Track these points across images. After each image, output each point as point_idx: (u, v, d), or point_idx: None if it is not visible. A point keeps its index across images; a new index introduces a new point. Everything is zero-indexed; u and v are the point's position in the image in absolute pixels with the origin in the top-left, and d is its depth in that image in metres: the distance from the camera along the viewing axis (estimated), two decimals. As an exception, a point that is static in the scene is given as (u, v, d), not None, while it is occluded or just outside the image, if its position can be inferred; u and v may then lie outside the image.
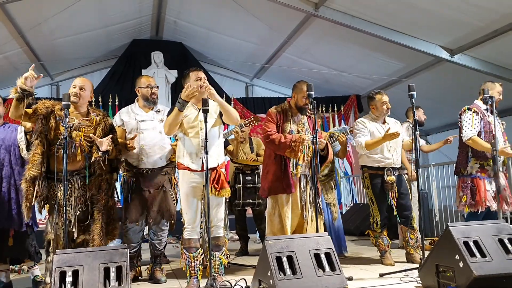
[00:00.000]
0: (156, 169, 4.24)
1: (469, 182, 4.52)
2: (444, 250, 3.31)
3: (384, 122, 4.92)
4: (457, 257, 3.15)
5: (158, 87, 4.44)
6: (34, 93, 3.55)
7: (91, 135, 3.67)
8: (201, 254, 3.87)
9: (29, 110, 3.56)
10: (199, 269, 3.84)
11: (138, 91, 4.41)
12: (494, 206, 4.41)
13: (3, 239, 3.93)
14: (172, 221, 4.36)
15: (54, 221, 3.54)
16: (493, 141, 4.24)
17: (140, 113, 4.35)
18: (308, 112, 4.29)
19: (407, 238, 4.79)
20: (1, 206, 3.97)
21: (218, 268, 3.79)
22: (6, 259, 4.15)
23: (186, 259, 3.83)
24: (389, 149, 4.79)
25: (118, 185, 4.61)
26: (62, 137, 3.49)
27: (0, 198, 3.97)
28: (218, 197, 3.85)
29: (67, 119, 3.45)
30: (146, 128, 4.26)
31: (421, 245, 4.02)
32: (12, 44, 7.96)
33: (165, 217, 4.27)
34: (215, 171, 3.84)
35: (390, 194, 4.73)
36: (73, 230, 3.56)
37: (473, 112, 4.53)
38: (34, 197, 3.51)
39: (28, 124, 3.86)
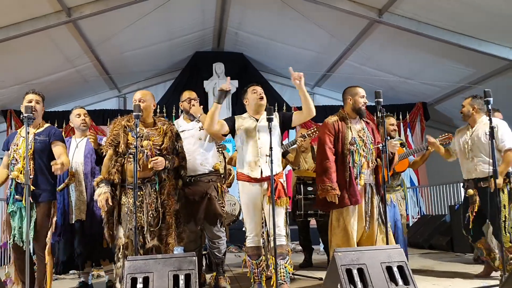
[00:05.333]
0: (199, 176, 4.23)
1: None
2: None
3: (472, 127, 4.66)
4: (544, 274, 2.92)
5: (196, 99, 4.49)
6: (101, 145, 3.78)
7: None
8: (264, 261, 3.89)
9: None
10: (263, 275, 3.90)
11: (181, 105, 4.52)
12: None
13: (97, 242, 4.10)
14: (223, 227, 4.36)
15: (127, 227, 3.63)
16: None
17: (182, 124, 4.46)
18: (365, 118, 4.18)
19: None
20: (96, 212, 4.23)
21: (284, 276, 3.74)
22: (98, 261, 4.43)
23: (250, 266, 3.93)
24: (467, 158, 4.55)
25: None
26: (132, 146, 3.58)
27: (94, 205, 4.21)
28: (277, 206, 3.80)
29: (137, 129, 3.54)
30: (185, 137, 4.27)
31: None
32: (83, 59, 8.37)
33: (213, 223, 4.24)
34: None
35: (470, 208, 4.50)
36: (146, 235, 3.64)
37: None
38: (113, 225, 3.67)
39: None
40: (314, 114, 3.96)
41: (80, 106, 4.83)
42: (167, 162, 3.70)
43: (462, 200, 4.85)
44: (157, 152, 3.72)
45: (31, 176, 3.72)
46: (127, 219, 3.64)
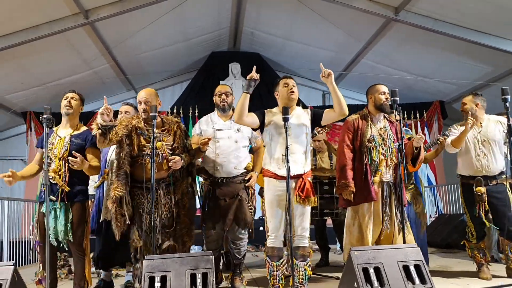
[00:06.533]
0: (231, 178, 4.22)
1: None
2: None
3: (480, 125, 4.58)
4: None
5: (228, 93, 4.40)
6: (115, 125, 3.64)
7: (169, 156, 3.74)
8: (284, 264, 3.82)
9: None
10: (282, 279, 3.79)
11: (215, 100, 4.47)
12: None
13: (120, 245, 4.05)
14: (250, 230, 4.35)
15: (143, 228, 3.66)
16: None
17: (217, 121, 4.38)
18: (389, 114, 4.15)
19: (507, 252, 4.45)
20: None
21: (302, 279, 3.72)
22: (119, 262, 4.41)
23: (269, 267, 3.80)
24: (478, 154, 4.46)
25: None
26: (148, 147, 3.60)
27: None
28: (303, 206, 3.78)
29: (155, 130, 3.56)
30: (222, 137, 4.27)
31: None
32: (100, 60, 8.48)
33: (241, 225, 4.24)
34: (301, 179, 3.77)
35: (478, 205, 4.40)
36: (161, 236, 3.66)
37: None
38: (122, 216, 3.63)
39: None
40: (347, 113, 3.88)
41: (126, 102, 4.57)
42: (182, 161, 3.73)
43: (462, 197, 4.66)
44: (170, 152, 3.74)
45: (58, 175, 3.74)
46: (142, 220, 3.66)
